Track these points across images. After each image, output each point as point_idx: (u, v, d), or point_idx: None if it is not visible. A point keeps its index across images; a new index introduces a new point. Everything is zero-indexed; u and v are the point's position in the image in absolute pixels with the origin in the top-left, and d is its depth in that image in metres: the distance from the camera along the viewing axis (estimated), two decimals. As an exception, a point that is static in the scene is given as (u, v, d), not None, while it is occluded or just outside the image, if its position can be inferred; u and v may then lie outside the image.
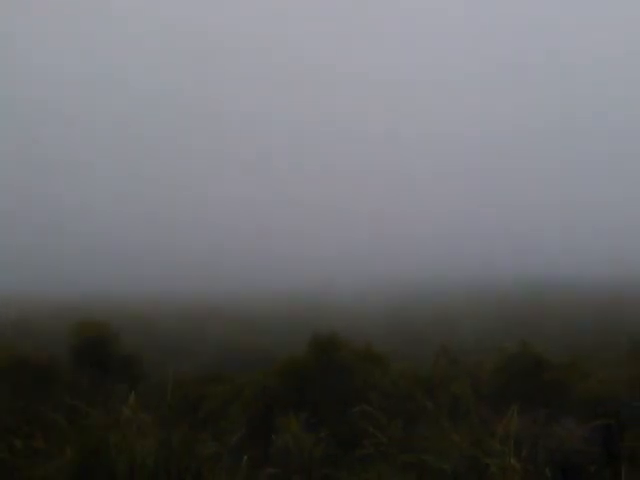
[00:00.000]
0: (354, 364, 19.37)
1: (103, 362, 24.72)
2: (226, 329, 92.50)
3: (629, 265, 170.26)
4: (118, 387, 9.11)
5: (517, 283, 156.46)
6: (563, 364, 22.71)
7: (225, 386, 22.98)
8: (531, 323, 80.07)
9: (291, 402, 16.06)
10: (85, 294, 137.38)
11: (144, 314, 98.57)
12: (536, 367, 22.01)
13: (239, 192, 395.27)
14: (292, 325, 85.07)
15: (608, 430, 13.33)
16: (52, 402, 14.67)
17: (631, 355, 21.92)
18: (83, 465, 7.73)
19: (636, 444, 12.12)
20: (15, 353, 24.84)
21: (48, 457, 7.94)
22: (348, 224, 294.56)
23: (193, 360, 57.89)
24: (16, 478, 7.86)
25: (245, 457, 8.54)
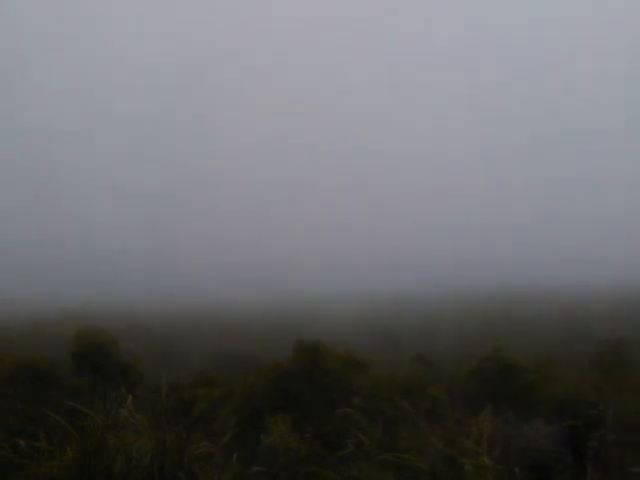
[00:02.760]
0: (337, 369, 19.39)
1: (102, 367, 24.62)
2: (217, 335, 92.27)
3: (599, 277, 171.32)
4: (116, 390, 9.02)
5: (491, 293, 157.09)
6: (533, 368, 22.77)
7: (217, 389, 22.97)
8: (504, 331, 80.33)
9: (279, 404, 16.06)
10: (85, 302, 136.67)
11: (141, 321, 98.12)
12: (507, 371, 22.06)
13: (231, 204, 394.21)
14: (279, 332, 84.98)
15: (574, 431, 13.38)
16: (53, 404, 14.61)
17: (595, 360, 22.04)
18: (83, 464, 7.72)
19: (600, 444, 12.17)
20: (19, 358, 24.75)
21: (50, 456, 7.92)
22: (334, 237, 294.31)
23: (187, 364, 57.59)
24: (20, 477, 7.83)
25: (235, 456, 8.55)
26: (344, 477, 9.41)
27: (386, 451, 9.52)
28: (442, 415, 12.26)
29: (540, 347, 53.64)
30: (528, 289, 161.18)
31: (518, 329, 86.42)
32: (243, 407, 18.18)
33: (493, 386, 21.57)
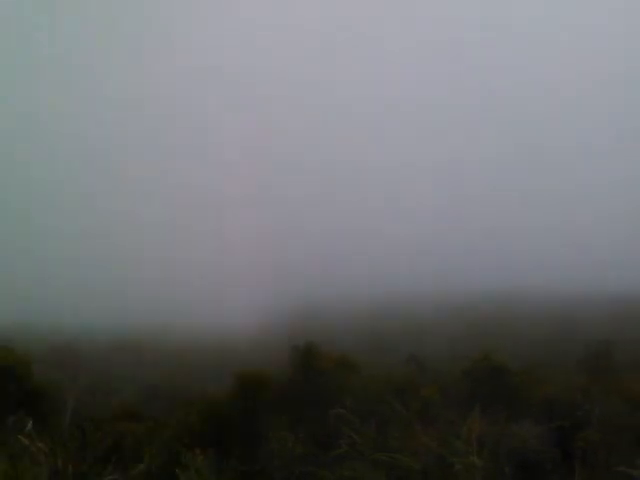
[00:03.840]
0: (331, 371, 19.39)
1: (11, 391, 22.52)
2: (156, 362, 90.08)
3: (587, 282, 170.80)
4: (18, 417, 8.77)
5: (484, 298, 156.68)
6: (522, 370, 22.78)
7: (144, 423, 22.28)
8: (496, 334, 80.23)
9: (209, 441, 15.51)
10: (15, 324, 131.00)
11: (78, 349, 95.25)
12: (498, 373, 22.12)
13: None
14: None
15: (562, 431, 13.43)
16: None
17: (582, 363, 22.07)
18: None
19: (587, 444, 12.23)
20: None
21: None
22: (324, 240, 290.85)
23: (122, 394, 56.27)
24: None
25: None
26: (338, 476, 9.43)
27: (379, 451, 9.53)
28: (434, 415, 12.29)
29: (538, 349, 53.63)
30: (528, 291, 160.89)
31: (516, 331, 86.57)
32: (171, 443, 17.49)
33: (484, 387, 21.63)
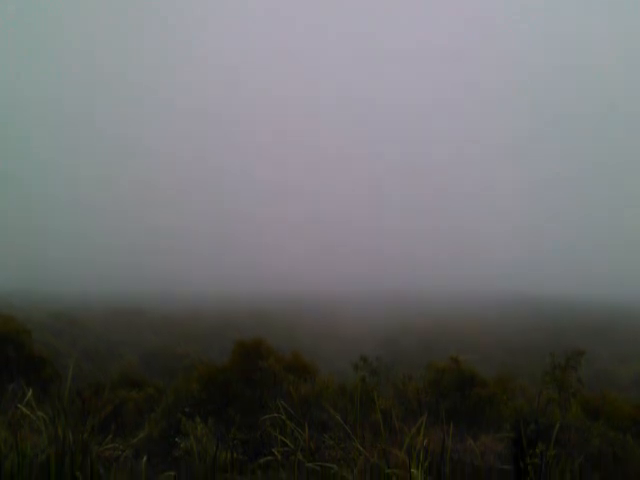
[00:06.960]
0: (278, 373, 19.13)
1: (10, 359, 23.13)
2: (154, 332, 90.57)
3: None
4: (17, 384, 8.83)
5: (456, 302, 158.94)
6: (492, 381, 22.71)
7: (145, 390, 22.56)
8: (467, 341, 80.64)
9: (209, 409, 15.75)
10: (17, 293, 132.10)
11: (77, 317, 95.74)
12: (466, 383, 22.01)
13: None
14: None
15: (518, 446, 13.30)
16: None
17: (548, 374, 21.97)
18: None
19: (542, 461, 12.09)
20: None
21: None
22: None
23: (122, 360, 56.41)
24: None
25: (145, 458, 8.36)
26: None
27: (312, 460, 9.38)
28: (381, 424, 12.13)
29: (506, 358, 53.87)
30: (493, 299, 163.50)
31: (482, 340, 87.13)
32: (171, 410, 17.79)
33: (450, 397, 21.54)
